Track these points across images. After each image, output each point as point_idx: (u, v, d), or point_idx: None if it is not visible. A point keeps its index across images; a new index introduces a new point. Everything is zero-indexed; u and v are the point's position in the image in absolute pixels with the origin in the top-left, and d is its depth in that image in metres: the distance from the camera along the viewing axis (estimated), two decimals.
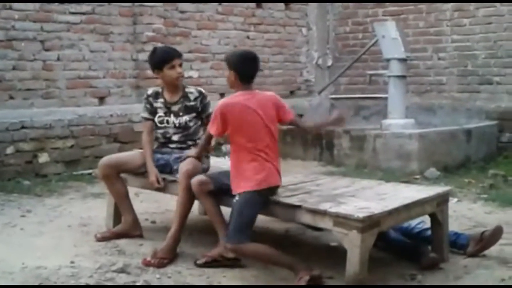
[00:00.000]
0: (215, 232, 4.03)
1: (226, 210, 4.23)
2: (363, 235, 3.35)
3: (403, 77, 7.76)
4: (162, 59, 4.36)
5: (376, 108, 8.91)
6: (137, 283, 3.56)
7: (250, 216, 3.67)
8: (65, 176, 6.60)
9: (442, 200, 4.03)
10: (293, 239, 4.50)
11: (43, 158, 6.61)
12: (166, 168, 4.36)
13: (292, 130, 8.32)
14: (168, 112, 4.43)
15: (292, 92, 9.79)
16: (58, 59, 7.01)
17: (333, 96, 9.80)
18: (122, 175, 4.52)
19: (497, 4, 8.29)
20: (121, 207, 4.53)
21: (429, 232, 4.12)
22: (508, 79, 8.32)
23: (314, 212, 3.58)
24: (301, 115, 9.43)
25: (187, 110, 4.40)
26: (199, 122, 4.45)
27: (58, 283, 3.51)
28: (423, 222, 4.25)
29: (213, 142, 4.28)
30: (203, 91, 4.51)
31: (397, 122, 7.63)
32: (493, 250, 4.10)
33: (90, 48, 7.28)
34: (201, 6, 8.42)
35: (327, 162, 7.67)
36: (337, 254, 3.83)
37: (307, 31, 9.92)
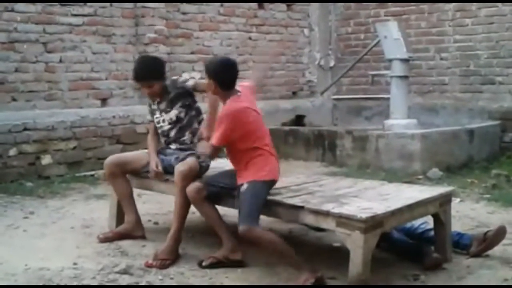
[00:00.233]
0: (215, 233, 4.03)
1: (226, 211, 4.26)
2: (366, 236, 3.34)
3: (405, 77, 7.76)
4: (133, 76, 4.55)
5: (378, 108, 8.92)
6: (140, 284, 3.56)
7: (259, 203, 3.70)
8: (68, 177, 6.60)
9: (445, 200, 4.03)
10: (296, 239, 4.49)
11: (46, 159, 6.62)
12: (168, 169, 4.36)
13: (294, 131, 8.35)
14: (159, 112, 4.48)
15: (294, 93, 9.79)
16: (61, 61, 7.02)
17: (335, 96, 9.82)
18: (128, 176, 4.53)
19: (499, 4, 8.28)
20: (124, 207, 4.54)
21: (432, 233, 4.11)
22: (510, 79, 8.31)
23: (317, 212, 3.58)
24: (304, 116, 9.49)
25: (171, 103, 4.42)
26: (193, 112, 4.44)
27: (61, 285, 3.50)
28: (426, 222, 4.24)
29: None
30: (174, 77, 4.56)
31: (399, 122, 7.63)
32: (496, 250, 4.10)
33: (92, 50, 7.29)
34: (203, 7, 8.42)
35: (329, 162, 7.67)
36: (340, 255, 3.83)
37: (309, 32, 9.92)
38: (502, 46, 8.32)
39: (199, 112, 4.50)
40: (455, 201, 5.17)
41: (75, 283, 3.53)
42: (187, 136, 4.43)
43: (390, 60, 7.73)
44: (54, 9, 6.93)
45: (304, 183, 4.30)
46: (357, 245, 3.36)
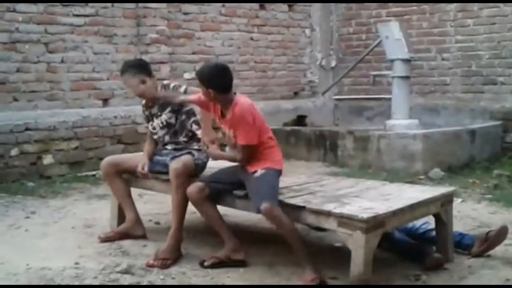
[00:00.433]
0: (216, 233, 4.03)
1: (227, 210, 4.26)
2: (367, 236, 3.34)
3: (407, 77, 7.76)
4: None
5: (380, 108, 8.92)
6: (142, 284, 3.56)
7: (277, 188, 3.78)
8: (69, 177, 6.61)
9: (446, 201, 4.02)
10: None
11: (47, 159, 6.63)
12: (165, 169, 4.36)
13: (296, 131, 8.35)
14: (152, 117, 4.49)
15: (296, 93, 9.79)
16: (62, 61, 7.02)
17: (337, 97, 9.82)
18: (126, 176, 4.55)
19: (501, 5, 8.27)
20: (123, 206, 4.57)
21: (433, 233, 4.11)
22: None
23: (319, 212, 3.58)
24: (305, 116, 9.49)
25: (161, 107, 4.41)
26: (183, 117, 4.41)
27: (63, 284, 3.51)
28: (427, 222, 4.24)
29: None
30: (165, 82, 4.53)
31: (401, 122, 7.63)
32: (498, 250, 4.09)
33: (94, 50, 7.29)
34: (204, 7, 8.43)
35: (331, 162, 7.67)
36: (341, 255, 3.83)
37: (311, 32, 9.92)
38: (504, 47, 8.32)
39: (192, 114, 4.47)
40: (456, 201, 5.16)
41: (76, 283, 3.53)
42: (182, 138, 4.43)
43: (392, 61, 7.73)
44: (56, 9, 6.94)
45: (306, 183, 4.30)
46: (358, 245, 3.36)
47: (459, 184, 6.28)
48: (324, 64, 10.05)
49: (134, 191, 4.73)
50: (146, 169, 4.36)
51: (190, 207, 4.09)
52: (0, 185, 6.10)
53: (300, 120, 9.39)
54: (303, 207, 3.64)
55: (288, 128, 8.64)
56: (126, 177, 4.57)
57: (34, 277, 3.61)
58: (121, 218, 4.62)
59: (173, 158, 4.30)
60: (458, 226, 4.48)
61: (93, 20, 7.27)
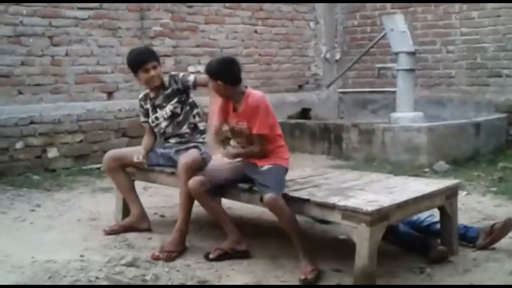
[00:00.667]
0: (219, 225, 4.04)
1: (232, 204, 4.26)
2: (372, 229, 3.34)
3: (412, 70, 7.75)
4: (136, 62, 4.39)
5: (385, 101, 8.91)
6: (146, 277, 3.57)
7: (283, 183, 3.80)
8: (74, 170, 6.62)
9: (451, 193, 4.02)
10: (302, 232, 4.49)
11: (52, 153, 6.64)
12: (170, 162, 4.38)
13: (300, 124, 8.35)
14: (154, 109, 4.48)
15: (300, 86, 9.77)
16: (67, 54, 7.02)
17: (341, 90, 9.81)
18: (130, 169, 4.56)
19: None
20: (127, 200, 4.58)
21: (438, 226, 4.11)
22: None
23: (323, 205, 3.58)
24: (309, 109, 9.48)
25: (167, 98, 4.41)
26: (187, 108, 4.43)
27: (68, 277, 3.52)
28: (432, 215, 4.24)
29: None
30: (173, 73, 4.54)
31: (405, 115, 7.62)
32: (502, 242, 4.09)
33: (98, 43, 7.29)
34: (209, 2, 8.40)
35: (335, 155, 7.66)
36: (346, 247, 3.83)
37: (315, 25, 9.89)
38: (509, 39, 8.28)
39: (194, 105, 4.50)
40: (461, 194, 5.16)
41: (81, 276, 3.54)
42: (185, 130, 4.43)
43: (397, 53, 7.72)
44: (60, 2, 6.93)
45: (310, 176, 4.30)
46: (363, 238, 3.36)
47: (464, 177, 6.27)
48: (328, 57, 10.03)
49: (139, 184, 4.74)
50: (141, 158, 4.35)
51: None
52: (5, 178, 6.11)
53: (305, 113, 9.38)
54: (307, 200, 3.64)
55: (293, 121, 8.63)
56: (130, 170, 4.57)
57: (39, 269, 3.61)
58: (126, 211, 4.63)
59: (178, 151, 4.32)
60: (463, 219, 4.48)
61: (97, 13, 7.26)
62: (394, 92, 7.87)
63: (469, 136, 7.32)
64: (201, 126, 4.48)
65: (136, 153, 4.41)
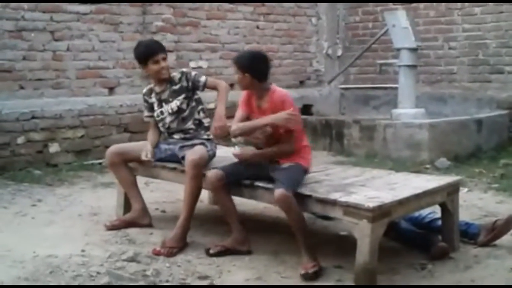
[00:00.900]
0: (226, 221, 4.04)
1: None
2: (373, 225, 3.34)
3: (414, 66, 7.74)
4: (146, 53, 4.39)
5: (386, 98, 8.90)
6: (147, 272, 3.57)
7: (300, 182, 3.76)
8: (76, 165, 6.62)
9: (452, 190, 4.02)
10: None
11: (54, 148, 6.64)
12: (173, 158, 4.38)
13: (301, 120, 8.32)
14: (160, 103, 4.47)
15: (301, 82, 9.76)
16: (68, 49, 7.01)
17: (343, 86, 9.79)
18: (132, 164, 4.55)
19: None
20: (129, 195, 4.58)
21: (439, 222, 4.11)
22: None
23: (324, 201, 3.58)
24: (311, 105, 9.46)
25: (175, 94, 4.41)
26: (193, 103, 4.44)
27: (69, 272, 3.52)
28: (433, 212, 4.24)
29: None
30: (185, 70, 4.54)
31: (407, 111, 7.61)
32: (504, 239, 4.09)
33: (100, 38, 7.28)
34: None
35: (337, 152, 7.65)
36: (347, 244, 3.84)
37: (317, 20, 9.87)
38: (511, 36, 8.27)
39: (199, 102, 4.51)
40: (463, 191, 5.16)
41: (83, 270, 3.54)
42: (190, 126, 4.43)
43: (398, 49, 7.71)
44: None
45: (312, 172, 4.28)
46: (364, 234, 3.36)
47: (465, 173, 6.27)
48: (330, 53, 10.01)
49: (141, 179, 4.74)
50: (149, 155, 4.34)
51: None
52: (6, 173, 6.12)
53: (306, 109, 9.36)
54: (309, 196, 3.64)
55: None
56: (132, 165, 4.57)
57: (40, 264, 3.62)
58: (127, 206, 4.63)
59: (182, 147, 4.32)
60: (464, 215, 4.47)
61: (99, 8, 7.25)
62: (396, 88, 7.85)
63: (471, 132, 7.31)
64: (205, 122, 4.48)
65: (143, 149, 4.38)
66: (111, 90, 7.43)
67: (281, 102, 3.82)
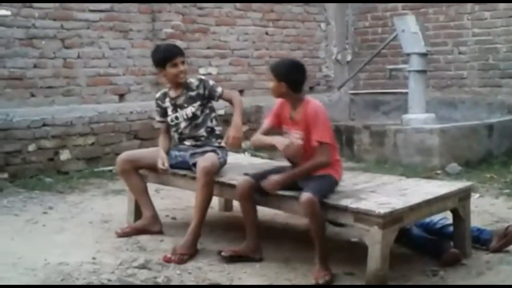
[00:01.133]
0: (236, 228, 4.04)
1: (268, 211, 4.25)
2: (384, 231, 3.33)
3: (424, 71, 7.72)
4: (164, 57, 4.39)
5: (396, 103, 8.87)
6: (158, 279, 3.57)
7: (328, 192, 3.70)
8: (86, 173, 6.64)
9: (464, 196, 4.00)
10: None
11: (65, 155, 6.66)
12: (184, 165, 4.38)
13: None
14: (175, 108, 4.46)
15: (311, 88, 9.74)
16: (78, 56, 7.05)
17: (353, 91, 9.78)
18: (142, 171, 4.56)
19: None
20: (140, 203, 4.57)
21: (451, 228, 4.09)
22: None
23: (335, 208, 3.58)
24: None
25: (191, 100, 4.41)
26: (207, 111, 4.44)
27: (80, 279, 3.52)
28: (445, 218, 4.21)
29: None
30: (203, 77, 4.54)
31: (417, 117, 7.59)
32: None
33: (110, 46, 7.32)
34: (219, 2, 8.41)
35: (347, 157, 7.62)
36: (358, 250, 3.82)
37: (326, 26, 9.87)
38: None
39: (213, 110, 4.51)
40: (474, 196, 5.13)
41: (94, 278, 3.55)
42: (202, 133, 4.43)
43: (408, 54, 7.69)
44: (72, 5, 6.96)
45: None
46: (375, 241, 3.35)
47: (476, 179, 6.23)
48: (339, 59, 10.01)
49: (151, 186, 4.74)
50: (166, 164, 4.33)
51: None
52: (18, 180, 6.14)
53: None
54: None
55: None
56: (143, 172, 4.57)
57: (51, 272, 3.62)
58: (138, 213, 4.64)
59: (193, 154, 4.32)
60: (476, 221, 4.45)
61: (109, 15, 7.29)
62: (406, 93, 7.84)
63: (482, 137, 7.27)
64: (217, 130, 4.48)
65: (158, 158, 4.34)
66: (121, 97, 7.46)
67: (313, 115, 3.74)
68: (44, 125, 6.51)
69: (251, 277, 3.69)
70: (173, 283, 3.56)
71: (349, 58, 10.06)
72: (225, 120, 4.41)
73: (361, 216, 3.42)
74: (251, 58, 8.74)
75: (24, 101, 6.62)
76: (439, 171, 6.61)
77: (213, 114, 4.48)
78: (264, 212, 4.64)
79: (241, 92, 8.58)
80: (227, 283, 3.61)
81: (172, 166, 4.42)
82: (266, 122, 4.01)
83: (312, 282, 3.54)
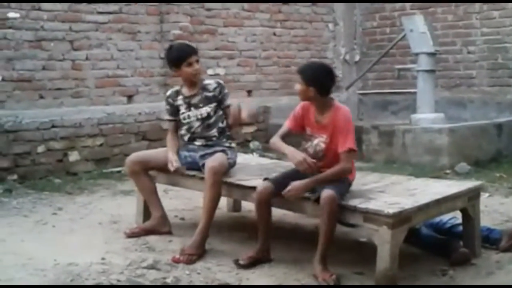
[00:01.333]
0: (244, 229, 4.04)
1: (250, 205, 4.25)
2: (393, 231, 3.33)
3: (432, 71, 7.69)
4: (179, 56, 4.39)
5: (405, 103, 8.85)
6: (167, 279, 3.57)
7: (345, 191, 3.70)
8: (95, 174, 6.67)
9: (473, 195, 3.99)
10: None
11: (74, 156, 6.69)
12: (193, 165, 4.37)
13: None
14: (188, 107, 4.46)
15: None
16: (87, 58, 7.07)
17: (361, 91, 9.76)
18: (151, 172, 4.56)
19: None
20: (149, 203, 4.58)
21: (460, 228, 4.08)
22: None
23: (344, 208, 3.57)
24: None
25: (206, 100, 4.42)
26: (220, 112, 4.45)
27: (90, 280, 3.53)
28: (454, 217, 4.20)
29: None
30: (221, 81, 4.55)
31: (426, 116, 7.57)
32: None
33: (118, 47, 7.33)
34: (227, 3, 8.42)
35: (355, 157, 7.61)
36: (367, 250, 3.81)
37: (334, 26, 9.85)
38: None
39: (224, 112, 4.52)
40: (483, 196, 5.10)
41: (103, 278, 3.55)
42: (213, 133, 4.43)
43: (417, 54, 7.67)
44: (80, 7, 6.99)
45: None
46: (384, 241, 3.34)
47: (486, 178, 6.20)
48: (347, 59, 9.98)
49: (160, 187, 4.75)
50: (175, 164, 4.31)
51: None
52: (27, 181, 6.17)
53: None
54: None
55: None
56: (151, 173, 4.58)
57: (61, 272, 3.63)
58: (147, 214, 4.65)
59: (203, 155, 4.31)
60: (486, 220, 4.43)
61: (117, 17, 7.31)
62: (415, 93, 7.82)
63: (491, 137, 7.25)
64: (228, 131, 4.50)
65: (168, 161, 4.33)
66: (130, 98, 7.48)
67: (344, 122, 3.72)
68: (53, 126, 6.55)
69: (260, 278, 3.69)
70: (182, 283, 3.56)
71: (357, 58, 10.04)
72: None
73: (370, 216, 3.41)
74: (259, 59, 8.74)
75: (33, 103, 6.65)
76: (448, 171, 6.59)
77: (224, 116, 4.49)
78: (273, 212, 4.62)
79: (249, 92, 8.61)
80: (236, 283, 3.61)
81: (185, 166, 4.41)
82: (286, 125, 3.98)
83: (321, 282, 3.53)
